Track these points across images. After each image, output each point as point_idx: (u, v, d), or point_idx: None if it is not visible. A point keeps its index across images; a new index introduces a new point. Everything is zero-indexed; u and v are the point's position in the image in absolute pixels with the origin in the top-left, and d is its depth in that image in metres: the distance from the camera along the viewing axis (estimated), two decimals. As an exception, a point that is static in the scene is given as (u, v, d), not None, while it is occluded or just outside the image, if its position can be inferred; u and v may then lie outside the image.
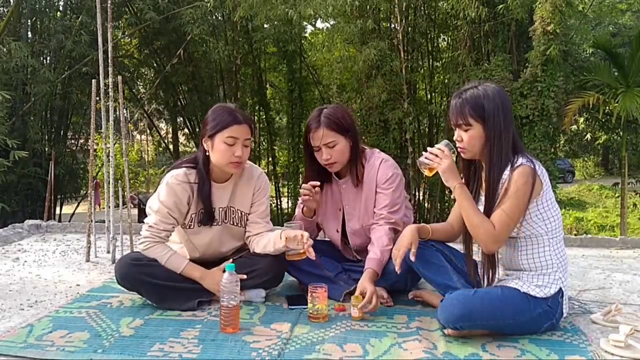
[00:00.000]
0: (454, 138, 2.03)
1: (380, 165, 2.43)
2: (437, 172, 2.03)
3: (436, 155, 1.99)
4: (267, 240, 2.32)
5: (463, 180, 2.16)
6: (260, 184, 2.43)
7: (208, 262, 2.38)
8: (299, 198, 2.52)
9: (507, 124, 1.94)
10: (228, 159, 2.22)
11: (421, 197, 11.20)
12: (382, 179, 2.41)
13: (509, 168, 1.93)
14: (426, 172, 2.05)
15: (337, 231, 2.55)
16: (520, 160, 1.93)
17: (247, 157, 2.29)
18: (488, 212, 1.96)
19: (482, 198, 2.01)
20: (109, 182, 3.37)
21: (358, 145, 2.44)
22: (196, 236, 2.39)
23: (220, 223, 2.39)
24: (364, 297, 2.14)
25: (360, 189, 2.46)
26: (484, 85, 1.98)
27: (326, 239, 2.68)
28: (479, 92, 1.95)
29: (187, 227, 2.36)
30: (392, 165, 2.45)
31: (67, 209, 11.88)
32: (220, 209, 2.38)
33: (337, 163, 2.40)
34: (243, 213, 2.42)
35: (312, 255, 2.16)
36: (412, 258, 2.05)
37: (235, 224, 2.42)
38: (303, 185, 2.45)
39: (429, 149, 2.03)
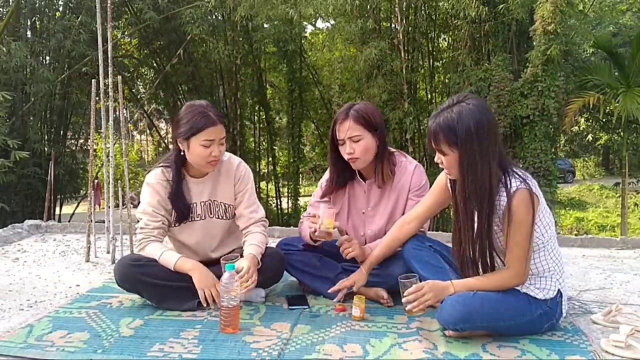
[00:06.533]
0: (435, 160, 1.98)
1: (414, 170, 2.40)
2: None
3: (416, 299, 1.92)
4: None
5: (451, 193, 2.10)
6: (241, 173, 2.42)
7: (205, 264, 2.37)
8: (306, 221, 2.40)
9: (484, 148, 1.84)
10: (205, 159, 2.25)
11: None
12: (416, 186, 2.38)
13: (504, 193, 1.88)
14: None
15: (363, 235, 2.48)
16: (514, 183, 1.87)
17: (222, 155, 2.30)
18: (480, 236, 1.92)
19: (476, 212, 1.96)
20: (108, 182, 3.36)
21: (385, 145, 2.40)
22: (183, 233, 2.41)
23: (204, 217, 2.40)
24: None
25: (386, 191, 2.42)
26: (459, 106, 1.87)
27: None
28: (452, 116, 1.85)
29: (174, 225, 2.39)
30: (424, 172, 2.44)
31: (67, 209, 11.87)
32: (202, 204, 2.39)
33: (359, 159, 2.33)
34: (227, 205, 2.42)
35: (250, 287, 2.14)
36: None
37: (220, 217, 2.42)
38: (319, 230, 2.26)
39: (405, 300, 1.94)
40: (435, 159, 1.97)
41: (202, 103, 2.31)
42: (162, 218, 2.34)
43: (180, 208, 2.35)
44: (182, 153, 2.29)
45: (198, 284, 2.21)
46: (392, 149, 2.48)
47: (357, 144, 2.31)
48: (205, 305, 2.20)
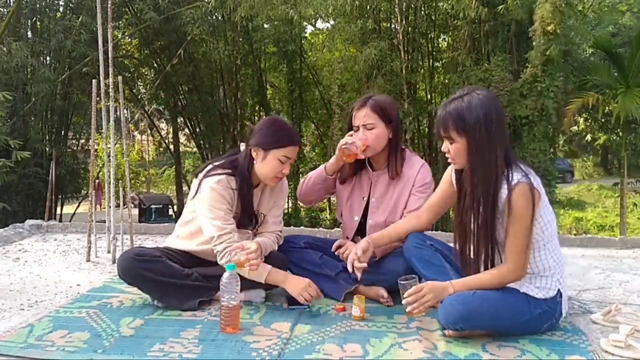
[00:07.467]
0: (442, 149, 2.01)
1: (421, 168, 2.46)
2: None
3: (416, 300, 1.94)
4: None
5: (455, 187, 2.11)
6: (282, 188, 2.51)
7: (207, 261, 2.37)
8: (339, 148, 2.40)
9: (491, 138, 1.87)
10: (275, 174, 2.29)
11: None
12: (420, 182, 2.43)
13: (505, 186, 1.89)
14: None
15: (356, 219, 2.54)
16: (516, 176, 1.89)
17: None
18: (485, 225, 1.93)
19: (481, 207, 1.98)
20: (109, 182, 3.37)
21: (398, 139, 2.47)
22: None
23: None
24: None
25: (394, 184, 2.46)
26: (470, 96, 1.90)
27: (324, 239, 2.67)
28: (462, 105, 1.89)
29: None
30: (430, 171, 2.49)
31: (68, 209, 11.89)
32: None
33: (369, 147, 2.39)
34: (264, 216, 2.47)
35: (253, 267, 2.15)
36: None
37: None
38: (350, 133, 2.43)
39: (405, 301, 1.95)
40: (443, 148, 2.00)
41: (286, 121, 2.40)
42: (233, 220, 2.30)
43: (250, 213, 2.36)
44: (253, 162, 2.31)
45: (294, 290, 2.21)
46: (404, 147, 2.56)
47: (370, 131, 2.39)
48: (310, 302, 2.23)
